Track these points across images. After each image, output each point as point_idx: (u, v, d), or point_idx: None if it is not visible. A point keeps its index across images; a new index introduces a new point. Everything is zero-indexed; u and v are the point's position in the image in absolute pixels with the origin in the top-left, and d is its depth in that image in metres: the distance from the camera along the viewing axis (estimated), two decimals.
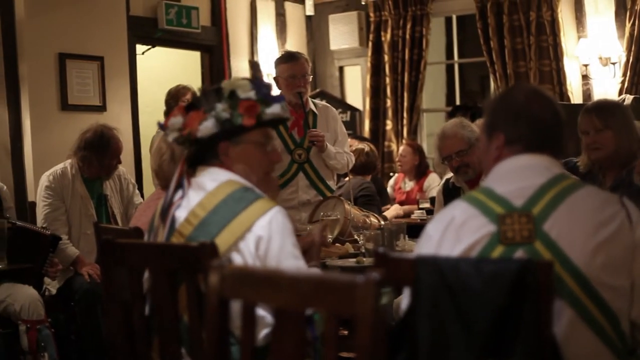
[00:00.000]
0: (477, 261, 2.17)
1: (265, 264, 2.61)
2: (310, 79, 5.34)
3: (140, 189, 7.63)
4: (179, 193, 2.77)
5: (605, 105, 4.01)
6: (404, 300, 2.31)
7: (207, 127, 2.72)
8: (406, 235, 4.46)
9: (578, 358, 2.17)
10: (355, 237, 4.43)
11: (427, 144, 9.55)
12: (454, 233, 2.32)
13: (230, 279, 1.92)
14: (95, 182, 5.49)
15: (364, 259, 4.16)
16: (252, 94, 2.76)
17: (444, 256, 2.24)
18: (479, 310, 2.03)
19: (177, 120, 2.78)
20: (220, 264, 1.94)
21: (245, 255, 2.61)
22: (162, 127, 2.86)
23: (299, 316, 1.80)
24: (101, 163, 5.36)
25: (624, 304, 2.24)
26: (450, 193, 4.79)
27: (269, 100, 2.79)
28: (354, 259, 4.21)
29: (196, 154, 2.81)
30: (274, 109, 2.79)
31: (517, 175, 2.37)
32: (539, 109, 2.42)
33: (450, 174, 4.94)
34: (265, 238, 2.61)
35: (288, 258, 2.64)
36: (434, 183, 7.78)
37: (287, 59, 5.32)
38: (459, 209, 2.38)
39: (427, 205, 7.14)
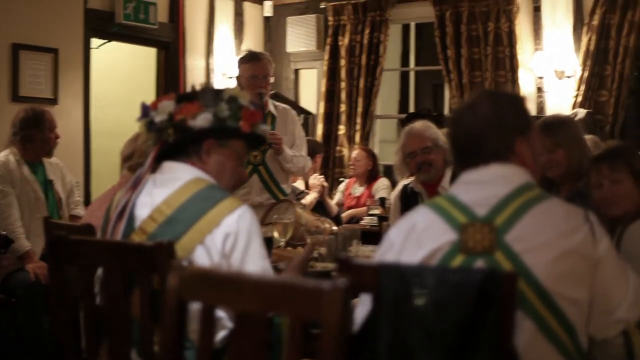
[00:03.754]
0: (442, 270, 2.14)
1: (230, 261, 2.58)
2: (272, 80, 5.30)
3: (88, 183, 7.57)
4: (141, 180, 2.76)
5: (552, 123, 3.96)
6: (361, 306, 2.28)
7: (205, 118, 2.75)
8: (360, 241, 4.45)
9: None
10: (308, 241, 4.39)
11: (379, 150, 9.54)
12: (416, 239, 2.31)
13: (190, 280, 1.86)
14: (38, 167, 5.50)
15: (317, 264, 4.14)
16: (251, 106, 2.86)
17: (408, 264, 2.22)
18: (442, 319, 2.00)
19: (169, 103, 2.78)
20: (180, 265, 1.88)
21: (211, 251, 2.58)
22: (146, 108, 2.82)
23: (261, 321, 1.75)
24: (42, 137, 5.39)
25: (581, 317, 2.25)
26: (408, 198, 4.84)
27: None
28: None
29: (175, 144, 2.79)
30: (265, 128, 2.93)
31: (482, 185, 2.36)
32: (454, 131, 2.49)
33: (408, 180, 4.97)
34: (233, 235, 2.59)
35: (254, 257, 2.62)
36: (382, 185, 7.83)
37: (250, 59, 5.27)
38: (422, 215, 2.38)
39: (377, 211, 7.12)
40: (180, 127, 2.75)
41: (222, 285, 1.81)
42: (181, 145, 2.79)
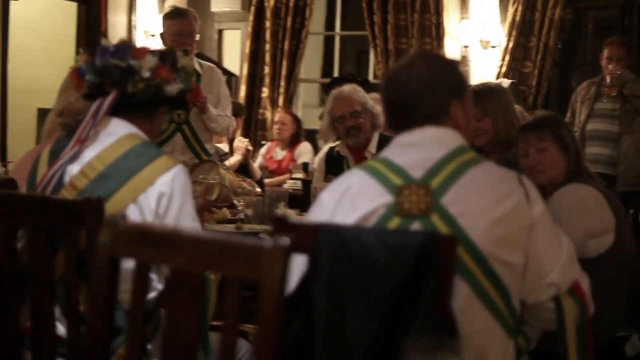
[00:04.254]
0: (380, 232, 2.11)
1: (163, 222, 2.52)
2: (198, 38, 5.22)
3: (4, 139, 7.39)
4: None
5: (482, 92, 3.93)
6: (296, 266, 2.23)
7: (177, 88, 2.74)
8: (286, 204, 4.43)
9: (471, 333, 2.14)
10: (235, 202, 4.34)
11: (302, 114, 9.48)
12: (350, 201, 2.27)
13: (124, 236, 1.79)
14: None
15: (244, 225, 4.10)
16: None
17: (346, 225, 2.18)
18: (380, 281, 1.97)
19: (154, 60, 2.70)
20: (113, 221, 1.81)
21: (144, 210, 2.52)
22: (125, 48, 2.72)
23: (198, 279, 1.69)
24: None
25: (516, 281, 2.24)
26: (333, 161, 4.83)
27: None
28: (233, 225, 4.14)
29: (137, 99, 2.71)
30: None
31: (416, 147, 2.33)
32: (390, 92, 2.43)
33: (334, 143, 4.95)
34: (167, 195, 2.54)
35: (187, 219, 2.58)
36: (305, 150, 7.82)
37: (174, 15, 5.20)
38: (356, 177, 2.33)
39: (300, 175, 7.10)
40: (155, 88, 2.70)
41: (158, 242, 1.75)
42: (138, 102, 2.72)
